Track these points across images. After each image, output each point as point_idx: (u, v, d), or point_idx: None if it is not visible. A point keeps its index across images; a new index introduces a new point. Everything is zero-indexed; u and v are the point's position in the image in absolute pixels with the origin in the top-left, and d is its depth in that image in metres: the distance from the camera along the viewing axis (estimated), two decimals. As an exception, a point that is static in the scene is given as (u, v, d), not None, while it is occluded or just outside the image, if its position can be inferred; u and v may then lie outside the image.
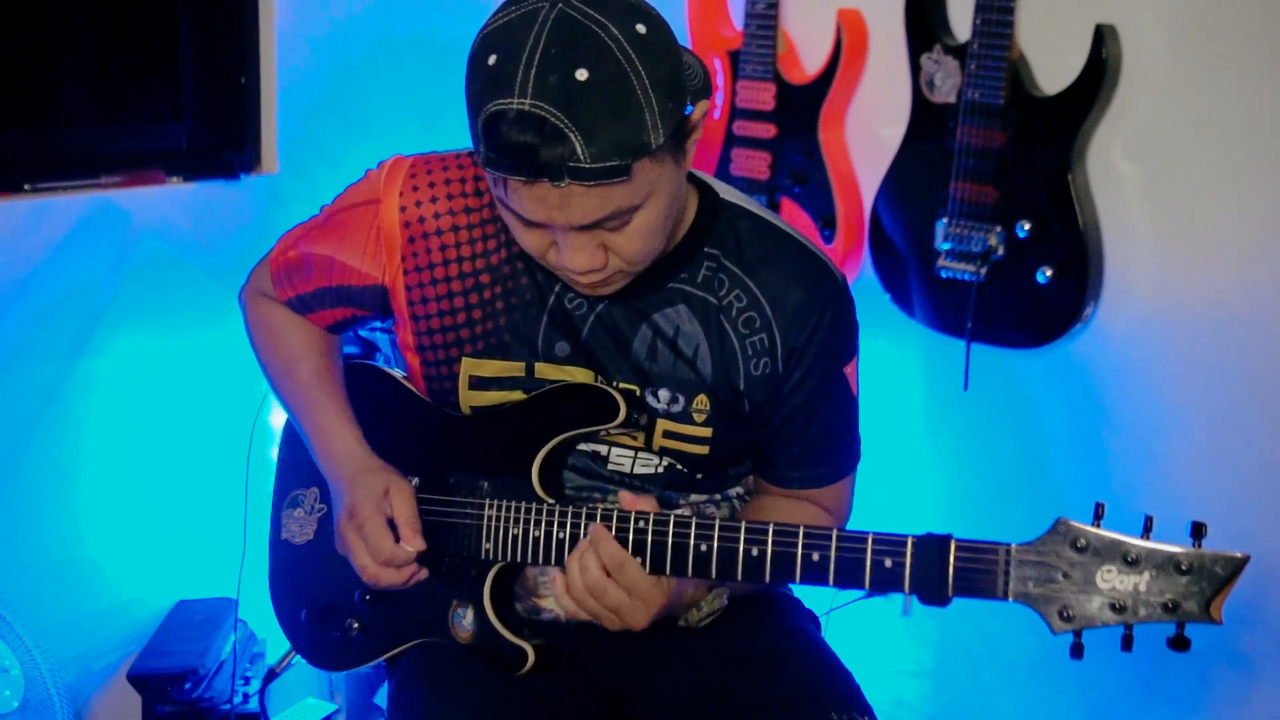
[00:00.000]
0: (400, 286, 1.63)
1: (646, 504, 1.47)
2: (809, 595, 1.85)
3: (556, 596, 1.48)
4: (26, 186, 2.44)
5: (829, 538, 1.38)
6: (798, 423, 1.61)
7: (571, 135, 1.29)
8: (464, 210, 1.60)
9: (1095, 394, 2.47)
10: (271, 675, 2.39)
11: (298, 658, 1.86)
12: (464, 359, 1.62)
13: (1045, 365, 2.51)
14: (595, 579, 1.44)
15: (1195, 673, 2.40)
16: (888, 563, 1.35)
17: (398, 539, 1.55)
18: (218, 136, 2.73)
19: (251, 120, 2.73)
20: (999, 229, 2.40)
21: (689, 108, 1.39)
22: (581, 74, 1.29)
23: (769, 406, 1.60)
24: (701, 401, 1.58)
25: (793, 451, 1.63)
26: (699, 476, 1.64)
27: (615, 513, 1.47)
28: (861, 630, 2.81)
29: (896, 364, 2.73)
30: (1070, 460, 2.52)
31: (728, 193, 1.61)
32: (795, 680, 1.59)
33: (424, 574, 1.58)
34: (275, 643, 2.79)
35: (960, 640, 2.79)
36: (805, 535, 1.39)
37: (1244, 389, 2.28)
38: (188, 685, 2.48)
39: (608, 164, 1.31)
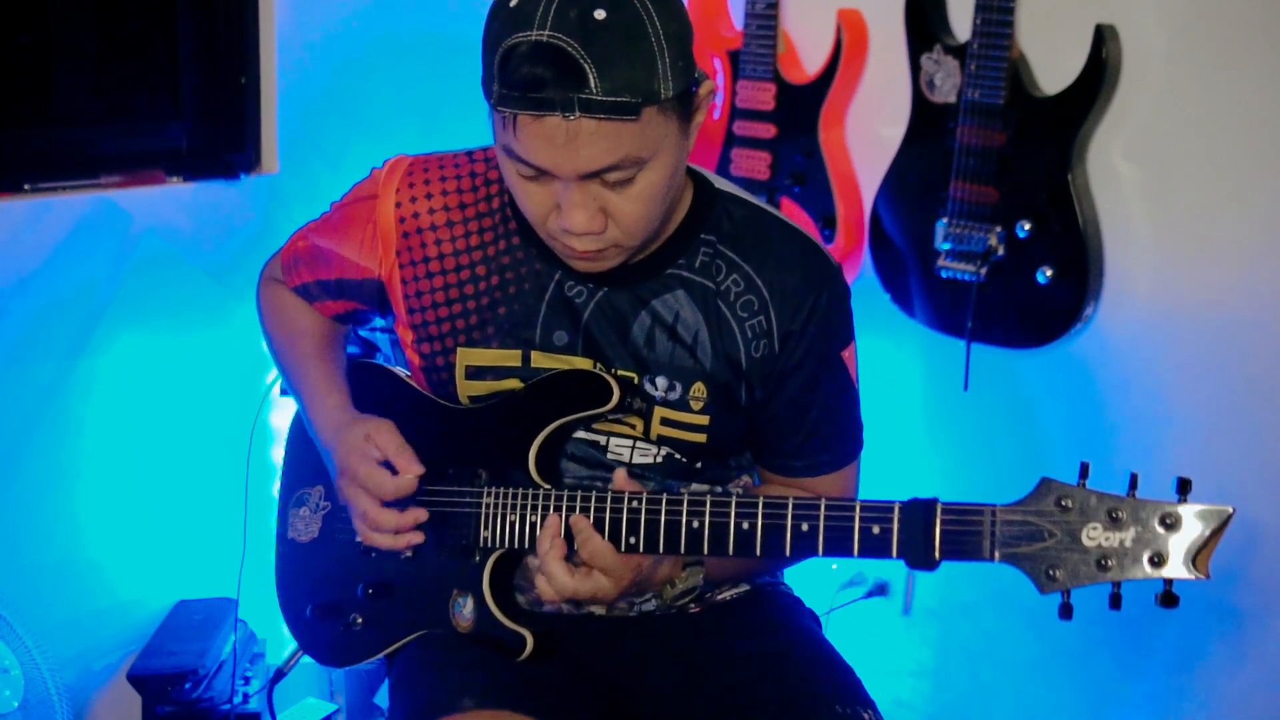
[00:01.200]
0: (396, 280, 1.65)
1: (638, 487, 1.50)
2: (809, 594, 1.85)
3: (540, 590, 1.51)
4: (26, 186, 2.44)
5: (817, 507, 1.39)
6: (799, 409, 1.62)
7: (586, 66, 1.32)
8: (459, 205, 1.63)
9: (1095, 394, 2.47)
10: (279, 675, 2.39)
11: (305, 656, 1.87)
12: (459, 349, 1.63)
13: (1045, 365, 2.51)
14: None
15: (1188, 662, 2.40)
16: (875, 529, 1.37)
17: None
18: (218, 136, 2.73)
19: (251, 120, 2.73)
20: (999, 229, 2.40)
21: (696, 83, 1.41)
22: (600, 13, 1.32)
23: (769, 393, 1.61)
24: (699, 389, 1.59)
25: (795, 439, 1.64)
26: (698, 466, 1.65)
27: (610, 493, 1.49)
28: (861, 630, 2.82)
29: (896, 364, 2.73)
30: (1070, 460, 2.48)
31: (722, 183, 1.64)
32: (798, 675, 1.60)
33: (424, 515, 1.58)
34: (275, 643, 2.79)
35: (960, 640, 2.79)
36: (794, 506, 1.40)
37: (1244, 389, 2.28)
38: (187, 685, 2.48)
39: (619, 99, 1.33)
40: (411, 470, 1.55)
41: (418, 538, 1.59)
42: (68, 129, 2.60)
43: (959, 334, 2.51)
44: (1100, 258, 2.35)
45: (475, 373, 1.64)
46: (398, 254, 1.64)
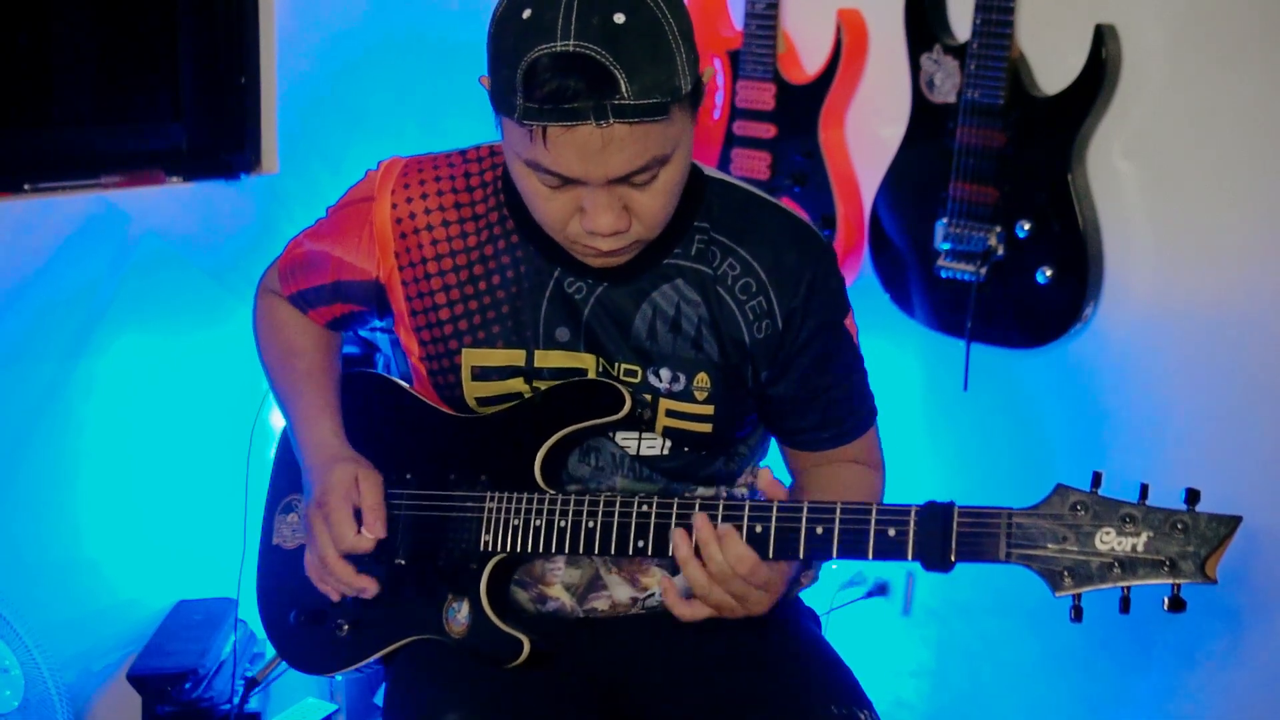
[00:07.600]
0: (396, 283, 1.65)
1: (783, 493, 1.46)
2: (809, 594, 1.85)
3: (671, 604, 1.49)
4: (26, 186, 2.44)
5: (833, 511, 1.40)
6: (816, 382, 1.63)
7: (616, 72, 1.33)
8: (454, 205, 1.63)
9: (1095, 394, 2.47)
10: (252, 684, 2.39)
11: (283, 664, 1.85)
12: (464, 350, 1.63)
13: (1045, 365, 2.51)
14: (720, 568, 1.43)
15: (1187, 661, 2.40)
16: (891, 532, 1.38)
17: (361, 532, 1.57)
18: (218, 136, 2.73)
19: (251, 120, 2.73)
20: (999, 229, 2.40)
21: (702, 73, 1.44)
22: (619, 17, 1.33)
23: (781, 372, 1.61)
24: (702, 379, 1.59)
25: (817, 413, 1.65)
26: (703, 453, 1.65)
27: (619, 496, 1.50)
28: (861, 630, 2.82)
29: (896, 364, 2.73)
30: (1070, 460, 2.52)
31: (707, 169, 1.65)
32: (795, 675, 1.60)
33: (373, 588, 1.58)
34: (275, 643, 2.79)
35: (960, 640, 2.79)
36: (809, 509, 1.41)
37: (1243, 389, 2.28)
38: (187, 685, 2.48)
39: (650, 101, 1.35)
40: (372, 531, 1.56)
41: (366, 588, 1.59)
42: (68, 129, 2.60)
43: (959, 334, 2.51)
44: (1100, 258, 2.35)
45: (481, 373, 1.64)
46: (396, 256, 1.64)
